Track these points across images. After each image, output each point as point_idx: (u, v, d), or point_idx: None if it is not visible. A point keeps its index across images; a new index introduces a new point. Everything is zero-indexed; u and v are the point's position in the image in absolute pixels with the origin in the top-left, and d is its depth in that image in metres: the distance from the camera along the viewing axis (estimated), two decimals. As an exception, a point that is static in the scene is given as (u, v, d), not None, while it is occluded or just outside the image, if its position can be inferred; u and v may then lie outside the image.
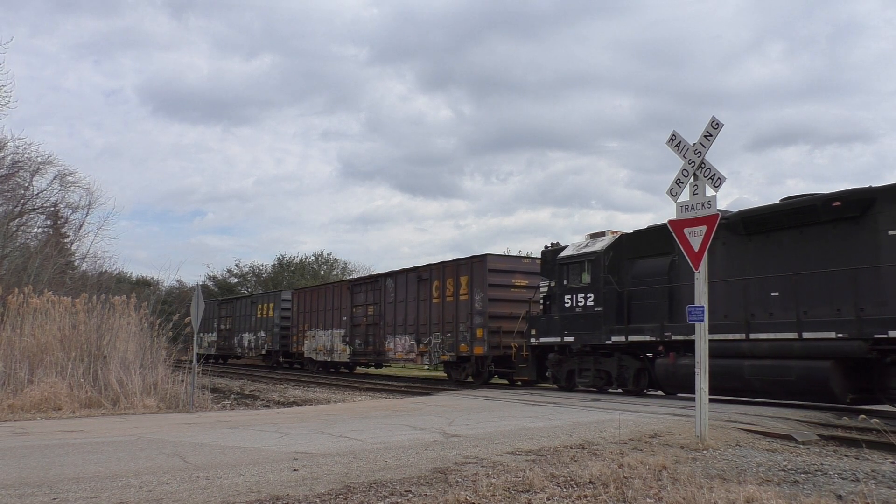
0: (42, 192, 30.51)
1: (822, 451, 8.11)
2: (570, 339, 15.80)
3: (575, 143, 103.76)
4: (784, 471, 6.63)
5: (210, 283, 52.43)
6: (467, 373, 19.91)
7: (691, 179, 8.58)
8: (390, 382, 22.41)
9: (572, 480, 5.81)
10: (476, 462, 6.70)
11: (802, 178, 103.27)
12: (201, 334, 39.47)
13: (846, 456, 7.79)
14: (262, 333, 33.25)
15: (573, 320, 15.80)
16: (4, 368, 13.10)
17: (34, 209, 30.42)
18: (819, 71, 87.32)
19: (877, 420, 7.27)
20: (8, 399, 12.32)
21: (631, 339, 14.48)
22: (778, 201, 12.91)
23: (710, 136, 8.38)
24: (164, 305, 23.21)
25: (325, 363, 28.29)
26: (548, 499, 5.23)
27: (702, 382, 8.16)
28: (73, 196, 31.94)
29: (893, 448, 7.59)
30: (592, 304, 15.43)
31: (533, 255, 20.95)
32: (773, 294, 12.30)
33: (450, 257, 25.01)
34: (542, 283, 17.31)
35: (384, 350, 23.63)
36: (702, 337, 8.27)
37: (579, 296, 15.79)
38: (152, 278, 45.52)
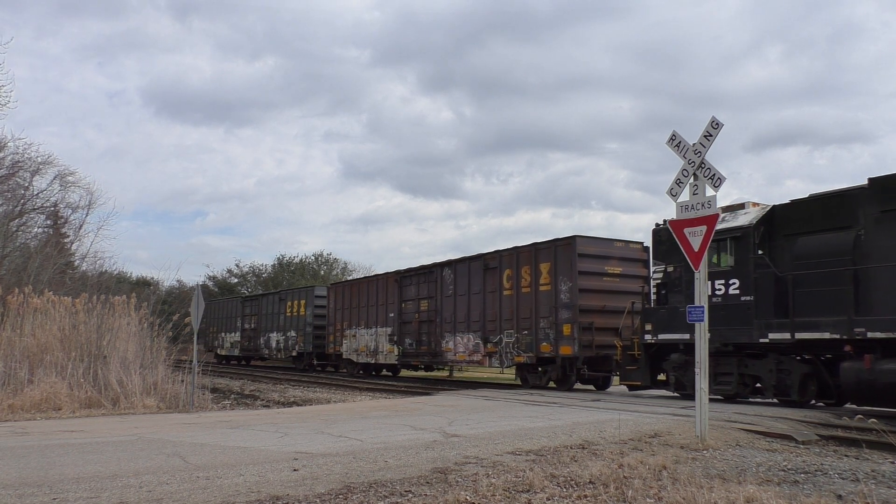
0: (42, 192, 30.53)
1: (822, 451, 8.11)
2: None
3: (575, 144, 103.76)
4: (784, 471, 6.63)
5: (210, 283, 52.43)
6: (549, 377, 17.26)
7: (691, 179, 8.58)
8: (391, 382, 22.39)
9: (572, 480, 5.81)
10: (476, 462, 6.69)
11: (802, 178, 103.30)
12: (223, 334, 38.15)
13: (846, 456, 7.79)
14: (293, 333, 30.69)
15: (708, 312, 13.19)
16: (4, 368, 13.10)
17: (34, 209, 30.42)
18: (818, 73, 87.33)
19: (874, 420, 7.27)
20: (8, 399, 12.32)
21: (800, 336, 11.51)
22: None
23: (710, 136, 8.38)
24: (164, 305, 22.99)
25: (368, 365, 25.77)
26: (548, 499, 5.23)
27: (702, 382, 8.17)
28: (73, 196, 31.95)
29: (893, 448, 7.58)
30: (737, 291, 12.47)
31: (624, 239, 17.64)
32: None
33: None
34: (655, 269, 14.48)
35: (441, 350, 20.88)
36: (702, 337, 8.28)
37: (717, 282, 12.79)
38: (152, 278, 45.45)
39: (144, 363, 14.58)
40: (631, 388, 15.36)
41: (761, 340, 12.08)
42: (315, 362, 29.87)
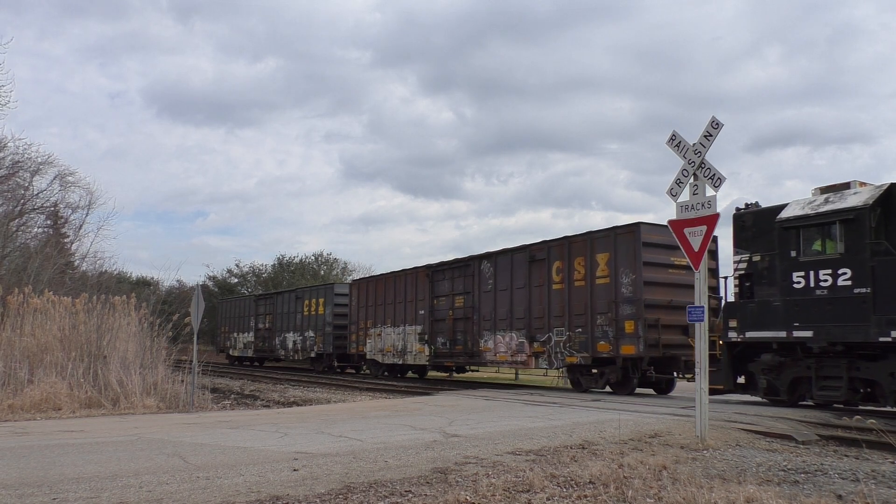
0: (42, 192, 30.57)
1: (822, 451, 8.11)
2: (806, 333, 11.37)
3: (575, 144, 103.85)
4: (784, 471, 6.63)
5: (210, 283, 52.44)
6: (607, 379, 15.75)
7: (691, 179, 8.58)
8: (391, 382, 22.36)
9: (572, 480, 5.80)
10: (476, 462, 6.69)
11: (801, 179, 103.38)
12: (235, 334, 37.03)
13: (846, 456, 7.79)
14: (311, 333, 29.20)
15: (810, 307, 11.38)
16: (4, 368, 13.10)
17: (34, 209, 30.45)
18: (817, 74, 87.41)
19: (874, 420, 7.27)
20: (8, 399, 12.32)
21: None
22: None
23: (710, 136, 8.38)
24: (164, 305, 22.96)
25: (394, 366, 24.31)
26: (548, 499, 5.23)
27: (702, 382, 8.17)
28: (73, 196, 32.02)
29: (893, 448, 7.58)
30: (849, 283, 10.96)
31: None
32: None
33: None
34: (738, 258, 12.84)
35: (479, 350, 19.34)
36: (702, 337, 8.28)
37: (822, 272, 11.30)
38: (152, 278, 45.49)
39: (144, 363, 14.57)
40: (710, 392, 13.46)
41: (881, 339, 10.50)
42: (336, 364, 28.38)
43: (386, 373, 24.68)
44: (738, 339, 12.44)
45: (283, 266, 51.96)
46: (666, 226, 14.84)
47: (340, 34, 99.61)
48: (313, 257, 52.54)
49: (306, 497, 5.22)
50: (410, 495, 5.31)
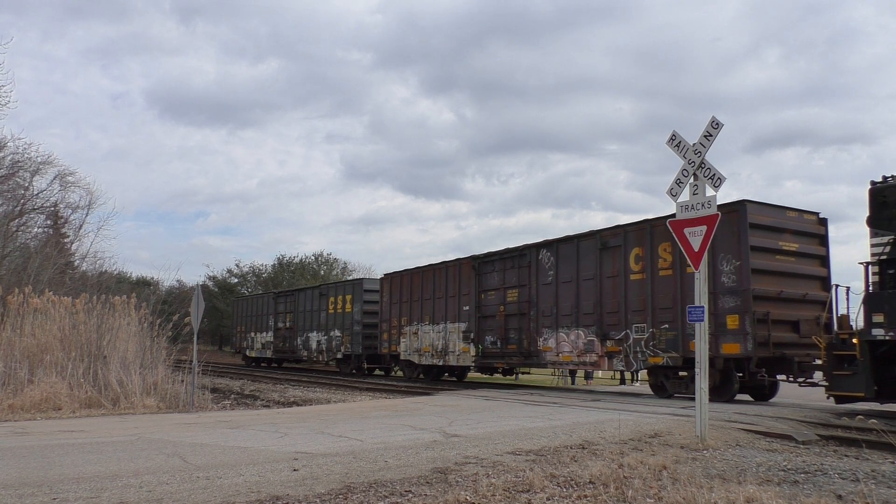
0: (42, 192, 30.58)
1: (822, 451, 8.11)
2: None
3: (575, 145, 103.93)
4: (784, 471, 6.63)
5: (210, 283, 52.47)
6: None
7: (691, 179, 8.58)
8: (391, 383, 22.36)
9: (572, 480, 5.80)
10: (476, 462, 6.69)
11: (801, 179, 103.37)
12: (252, 334, 35.23)
13: (846, 456, 7.78)
14: (337, 332, 27.39)
15: None
16: (4, 368, 13.09)
17: (34, 209, 30.45)
18: (816, 75, 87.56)
19: (875, 420, 7.26)
20: (8, 399, 12.32)
21: None
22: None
23: (710, 136, 8.38)
24: (164, 305, 22.87)
25: (432, 368, 22.48)
26: (548, 499, 5.23)
27: (702, 382, 8.17)
28: (73, 196, 32.04)
29: (893, 448, 7.58)
30: None
31: (797, 207, 13.82)
32: None
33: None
34: (875, 240, 10.89)
35: (537, 350, 17.45)
36: (702, 337, 8.28)
37: None
38: (152, 278, 45.51)
39: (144, 363, 14.57)
40: (841, 400, 11.14)
41: None
42: (366, 366, 26.66)
43: (421, 375, 23.00)
44: (888, 338, 10.20)
45: (283, 266, 51.98)
46: (776, 205, 13.67)
47: (342, 36, 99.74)
48: (313, 257, 52.59)
49: (306, 497, 5.22)
50: (410, 495, 5.31)
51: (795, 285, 13.23)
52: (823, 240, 13.96)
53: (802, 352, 12.70)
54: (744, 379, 13.06)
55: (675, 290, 13.95)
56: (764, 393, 13.84)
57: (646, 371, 15.07)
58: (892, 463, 7.32)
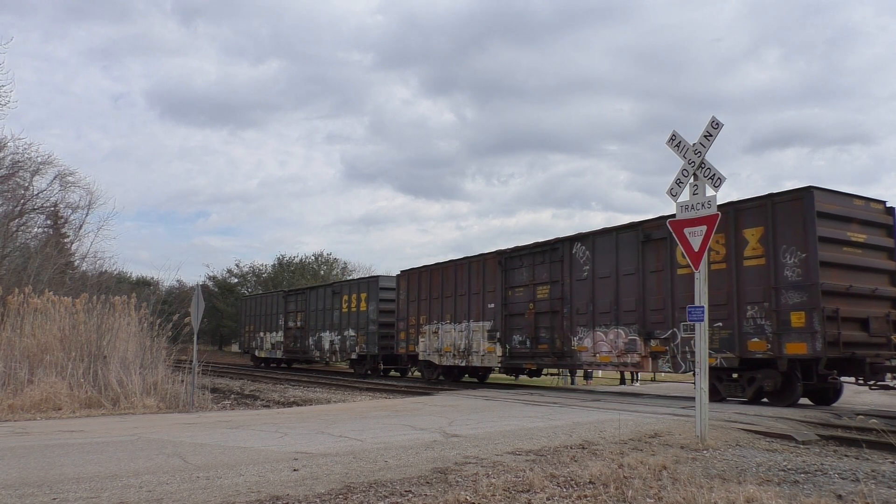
0: (42, 192, 30.61)
1: (822, 451, 8.11)
2: None
3: (576, 145, 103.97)
4: (784, 471, 6.63)
5: (210, 283, 52.48)
6: (760, 385, 12.64)
7: (691, 179, 8.58)
8: (391, 383, 22.35)
9: (572, 480, 5.80)
10: (476, 462, 6.69)
11: (801, 179, 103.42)
12: (261, 334, 34.40)
13: (846, 456, 7.78)
14: (351, 332, 26.57)
15: None
16: (4, 368, 13.10)
17: (34, 209, 30.47)
18: (816, 76, 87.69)
19: (875, 420, 7.25)
20: (8, 399, 12.32)
21: None
22: None
23: (710, 135, 8.38)
24: (164, 305, 22.74)
25: (453, 368, 21.58)
26: (548, 499, 5.23)
27: (702, 382, 8.16)
28: (73, 196, 32.07)
29: (893, 448, 7.58)
30: None
31: (863, 196, 13.03)
32: None
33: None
34: None
35: (572, 350, 16.56)
36: (702, 337, 8.28)
37: None
38: (152, 278, 45.53)
39: (144, 363, 14.58)
40: None
41: None
42: (382, 366, 25.81)
43: (442, 377, 22.04)
44: None
45: (282, 266, 52.00)
46: (842, 192, 12.86)
47: (343, 36, 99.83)
48: (313, 257, 52.60)
49: (306, 497, 5.22)
50: (410, 495, 5.31)
51: (864, 279, 12.39)
52: (890, 230, 13.08)
53: (873, 352, 11.90)
54: (810, 382, 12.18)
55: (730, 285, 13.01)
56: (828, 397, 12.95)
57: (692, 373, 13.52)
58: (893, 463, 7.32)
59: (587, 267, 16.34)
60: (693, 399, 8.78)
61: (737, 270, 12.92)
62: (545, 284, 17.57)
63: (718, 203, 13.38)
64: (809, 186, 12.13)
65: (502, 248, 19.29)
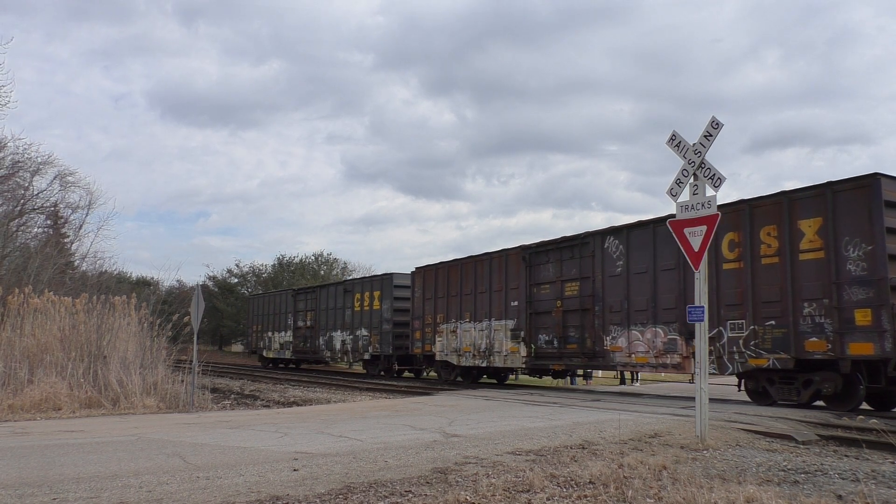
0: (42, 192, 30.61)
1: (822, 451, 8.11)
2: None
3: (576, 146, 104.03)
4: (784, 471, 6.63)
5: (210, 283, 52.46)
6: (818, 389, 11.74)
7: (691, 179, 8.58)
8: (391, 382, 22.33)
9: (572, 480, 5.80)
10: (476, 462, 6.69)
11: (801, 179, 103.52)
12: (270, 333, 33.40)
13: (846, 456, 7.78)
14: (364, 332, 25.68)
15: None
16: (4, 368, 13.10)
17: (34, 209, 30.47)
18: (815, 76, 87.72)
19: (875, 420, 7.25)
20: (8, 399, 12.32)
21: None
22: None
23: (710, 135, 8.38)
24: (164, 305, 22.51)
25: (472, 369, 20.63)
26: (548, 499, 5.22)
27: (702, 382, 8.16)
28: (73, 196, 32.07)
29: (893, 448, 7.58)
30: None
31: None
32: None
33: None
34: None
35: (604, 350, 15.60)
36: (702, 337, 8.28)
37: None
38: (152, 278, 45.53)
39: (144, 363, 14.58)
40: None
41: None
42: (397, 367, 24.90)
43: (460, 378, 21.12)
44: None
45: (283, 266, 51.99)
46: None
47: (343, 37, 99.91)
48: (313, 257, 52.59)
49: (306, 497, 5.22)
50: (410, 495, 5.31)
51: None
52: None
53: None
54: (877, 385, 11.23)
55: (784, 281, 12.03)
56: (893, 401, 12.09)
57: (737, 375, 12.96)
58: (892, 463, 7.32)
59: (621, 262, 15.39)
60: (693, 399, 8.79)
61: (791, 265, 11.99)
62: (574, 281, 16.64)
63: (766, 194, 13.03)
64: (875, 173, 11.05)
65: (526, 244, 18.39)
